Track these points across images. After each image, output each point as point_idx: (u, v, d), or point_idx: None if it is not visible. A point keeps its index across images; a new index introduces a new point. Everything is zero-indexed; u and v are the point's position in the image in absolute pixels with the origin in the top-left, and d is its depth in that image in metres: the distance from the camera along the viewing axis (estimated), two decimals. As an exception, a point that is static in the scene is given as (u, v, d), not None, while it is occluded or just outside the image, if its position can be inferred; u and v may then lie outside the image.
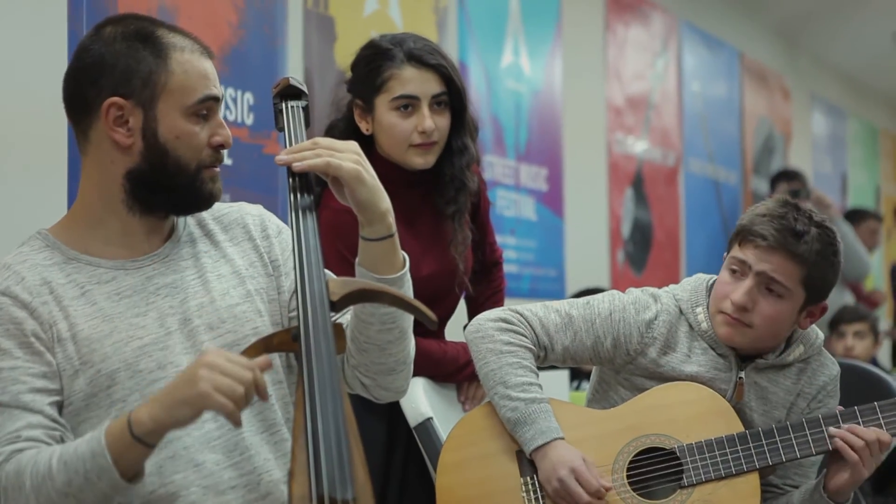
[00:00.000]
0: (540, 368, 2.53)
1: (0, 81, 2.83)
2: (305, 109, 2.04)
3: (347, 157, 1.93)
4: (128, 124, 1.95)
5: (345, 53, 3.91)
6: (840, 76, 9.82)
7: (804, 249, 2.37)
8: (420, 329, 2.73)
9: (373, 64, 2.70)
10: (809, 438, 2.39)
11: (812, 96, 9.15)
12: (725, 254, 2.50)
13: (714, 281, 2.52)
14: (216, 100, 2.00)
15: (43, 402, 1.88)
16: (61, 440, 1.87)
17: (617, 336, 2.48)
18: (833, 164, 9.50)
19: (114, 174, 1.97)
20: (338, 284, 1.84)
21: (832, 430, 2.37)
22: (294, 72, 3.72)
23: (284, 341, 1.84)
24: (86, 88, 1.96)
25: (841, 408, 2.43)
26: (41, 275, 1.95)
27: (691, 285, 2.55)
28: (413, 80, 2.68)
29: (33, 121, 2.88)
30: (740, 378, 2.46)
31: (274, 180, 3.64)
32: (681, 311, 2.51)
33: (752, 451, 2.37)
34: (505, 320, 2.50)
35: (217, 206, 2.13)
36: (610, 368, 2.55)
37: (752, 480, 2.37)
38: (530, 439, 2.40)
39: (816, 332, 2.54)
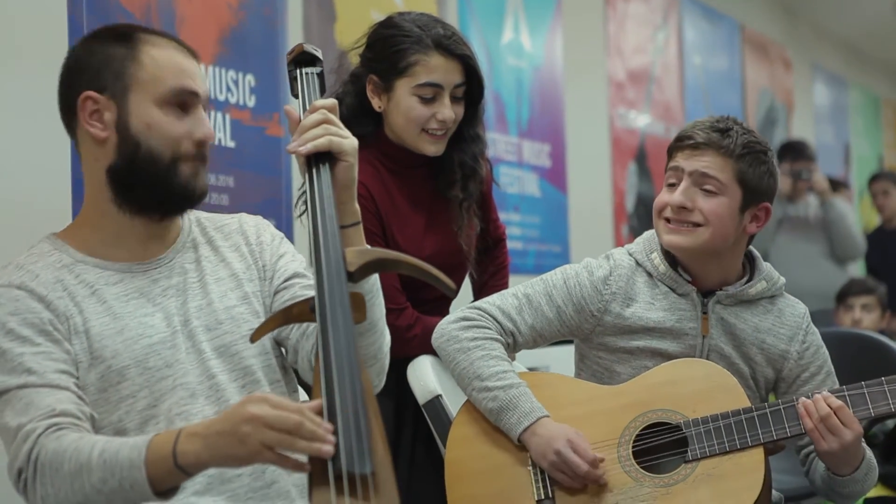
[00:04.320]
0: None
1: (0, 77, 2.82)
2: (320, 76, 2.05)
3: (345, 132, 1.96)
4: (103, 118, 1.96)
5: (345, 33, 3.91)
6: (841, 46, 9.79)
7: (729, 142, 2.44)
8: (427, 308, 2.76)
9: (398, 46, 2.68)
10: None
11: (813, 67, 9.13)
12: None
13: None
14: (194, 94, 1.99)
15: (69, 381, 1.90)
16: (91, 417, 1.90)
17: (577, 301, 2.52)
18: (835, 134, 9.49)
19: (99, 173, 1.99)
20: (355, 255, 1.84)
21: (803, 399, 2.38)
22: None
23: (303, 312, 1.83)
24: (67, 91, 1.99)
25: (894, 379, 2.42)
26: (54, 274, 1.97)
27: (643, 238, 2.61)
28: (439, 69, 2.67)
29: (34, 117, 2.88)
30: (705, 313, 2.50)
31: (277, 162, 3.64)
32: (637, 263, 2.55)
33: (758, 426, 2.37)
34: (466, 318, 2.53)
35: (218, 217, 2.17)
36: (582, 339, 2.57)
37: (757, 455, 2.36)
38: (516, 423, 2.41)
39: (778, 274, 2.59)
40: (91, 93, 1.95)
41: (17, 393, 1.87)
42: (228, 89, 3.47)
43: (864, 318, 5.14)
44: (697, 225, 2.46)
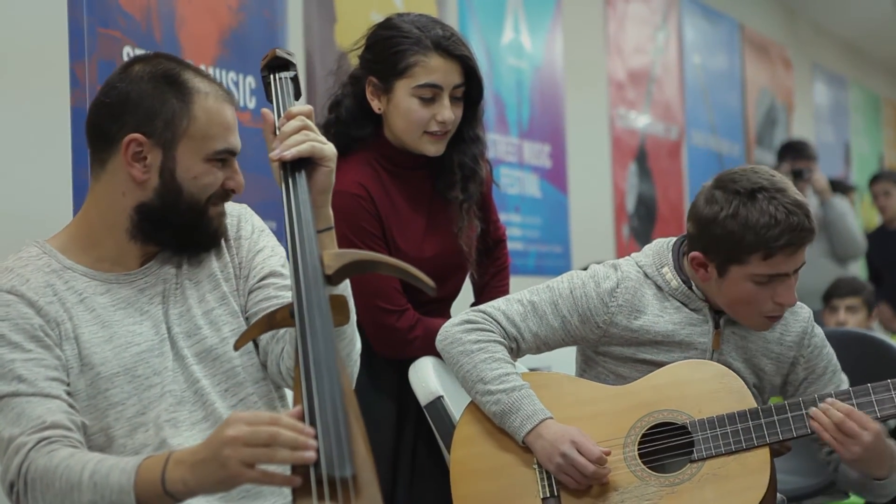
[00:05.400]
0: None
1: (1, 69, 2.82)
2: (294, 80, 2.07)
3: (323, 137, 1.98)
4: (146, 161, 1.98)
5: (345, 34, 3.91)
6: (841, 45, 9.80)
7: (814, 225, 2.41)
8: (428, 309, 2.76)
9: (397, 47, 2.68)
10: None
11: (813, 66, 9.13)
12: (699, 253, 2.44)
13: (675, 241, 2.54)
14: (234, 153, 2.05)
15: (60, 389, 1.91)
16: (82, 426, 1.91)
17: (582, 312, 2.50)
18: (836, 133, 9.49)
19: (123, 205, 2.01)
20: (332, 257, 1.85)
21: (812, 409, 2.37)
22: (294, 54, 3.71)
23: (285, 317, 1.84)
24: (108, 123, 2.00)
25: None
26: (44, 279, 1.99)
27: (653, 249, 2.57)
28: (439, 70, 2.67)
29: (34, 122, 2.88)
30: (718, 328, 2.48)
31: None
32: (645, 275, 2.52)
33: (764, 427, 2.37)
34: (469, 321, 2.53)
35: None
36: (588, 347, 2.57)
37: (762, 455, 2.37)
38: (519, 427, 2.41)
39: None
40: (138, 136, 1.97)
41: (8, 401, 1.89)
42: (229, 91, 3.46)
43: (848, 319, 5.09)
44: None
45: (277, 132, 1.99)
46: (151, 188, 2.00)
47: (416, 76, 2.67)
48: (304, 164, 1.96)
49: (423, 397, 2.65)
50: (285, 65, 2.07)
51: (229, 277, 2.11)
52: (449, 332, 2.53)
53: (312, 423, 1.66)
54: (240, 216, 2.18)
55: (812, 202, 6.24)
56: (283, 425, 1.65)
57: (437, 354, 2.65)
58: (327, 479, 1.63)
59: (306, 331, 1.74)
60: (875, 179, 7.30)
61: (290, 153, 1.94)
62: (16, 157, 2.83)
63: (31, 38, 2.88)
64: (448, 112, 2.68)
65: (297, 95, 2.06)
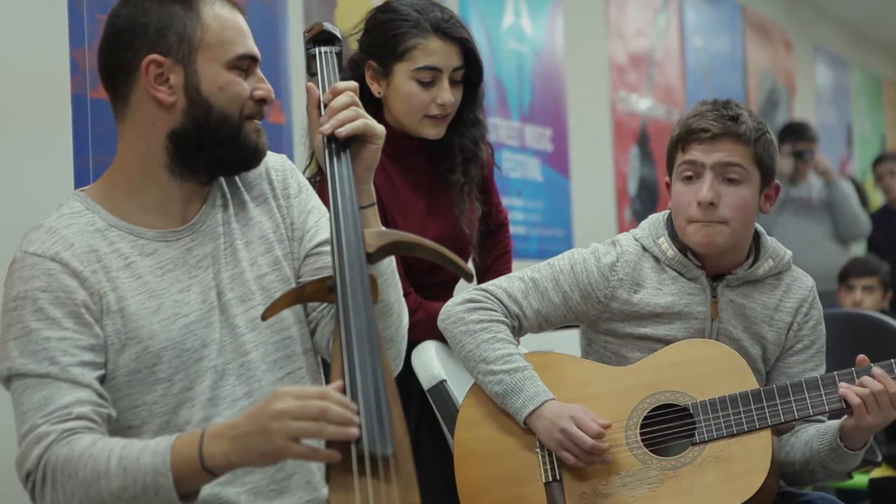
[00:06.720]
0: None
1: (1, 56, 2.82)
2: (339, 55, 2.04)
3: (368, 114, 1.96)
4: (169, 82, 1.92)
5: (345, 19, 3.90)
6: (842, 27, 9.77)
7: (745, 128, 2.42)
8: (430, 293, 2.76)
9: (396, 30, 2.68)
10: (824, 396, 2.37)
11: (815, 48, 9.11)
12: (667, 178, 2.53)
13: (670, 214, 2.55)
14: (256, 60, 1.98)
15: (91, 376, 1.85)
16: (108, 418, 1.86)
17: (584, 287, 2.51)
18: (837, 115, 9.48)
19: (156, 137, 1.94)
20: (374, 236, 1.85)
21: (843, 385, 2.35)
22: (294, 40, 3.71)
23: (318, 291, 1.82)
24: (122, 53, 1.92)
25: (881, 364, 2.40)
26: (88, 242, 1.91)
27: (649, 222, 2.59)
28: (438, 52, 2.67)
29: (36, 96, 2.88)
30: (714, 296, 2.48)
31: (279, 148, 3.62)
32: (643, 248, 2.54)
33: (766, 408, 2.37)
34: (471, 300, 2.53)
35: None
36: (589, 325, 2.57)
37: (765, 437, 2.36)
38: (521, 407, 2.41)
39: (784, 248, 2.57)
40: (156, 56, 1.90)
41: (37, 381, 1.82)
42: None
43: (865, 299, 5.11)
44: (724, 222, 2.42)
45: (322, 107, 1.96)
46: (180, 110, 1.92)
47: (415, 59, 2.66)
48: (351, 140, 1.94)
49: (426, 381, 2.65)
50: (330, 39, 2.04)
51: (282, 239, 2.05)
52: (451, 311, 2.53)
53: (354, 399, 1.66)
54: (284, 170, 2.11)
55: (815, 184, 6.23)
56: (332, 400, 1.64)
57: (438, 338, 2.65)
58: (369, 456, 1.63)
59: (349, 307, 1.73)
60: (879, 160, 7.30)
61: (344, 130, 1.91)
62: (16, 143, 2.82)
63: (31, 25, 2.88)
64: (448, 94, 2.68)
65: (341, 70, 2.04)
